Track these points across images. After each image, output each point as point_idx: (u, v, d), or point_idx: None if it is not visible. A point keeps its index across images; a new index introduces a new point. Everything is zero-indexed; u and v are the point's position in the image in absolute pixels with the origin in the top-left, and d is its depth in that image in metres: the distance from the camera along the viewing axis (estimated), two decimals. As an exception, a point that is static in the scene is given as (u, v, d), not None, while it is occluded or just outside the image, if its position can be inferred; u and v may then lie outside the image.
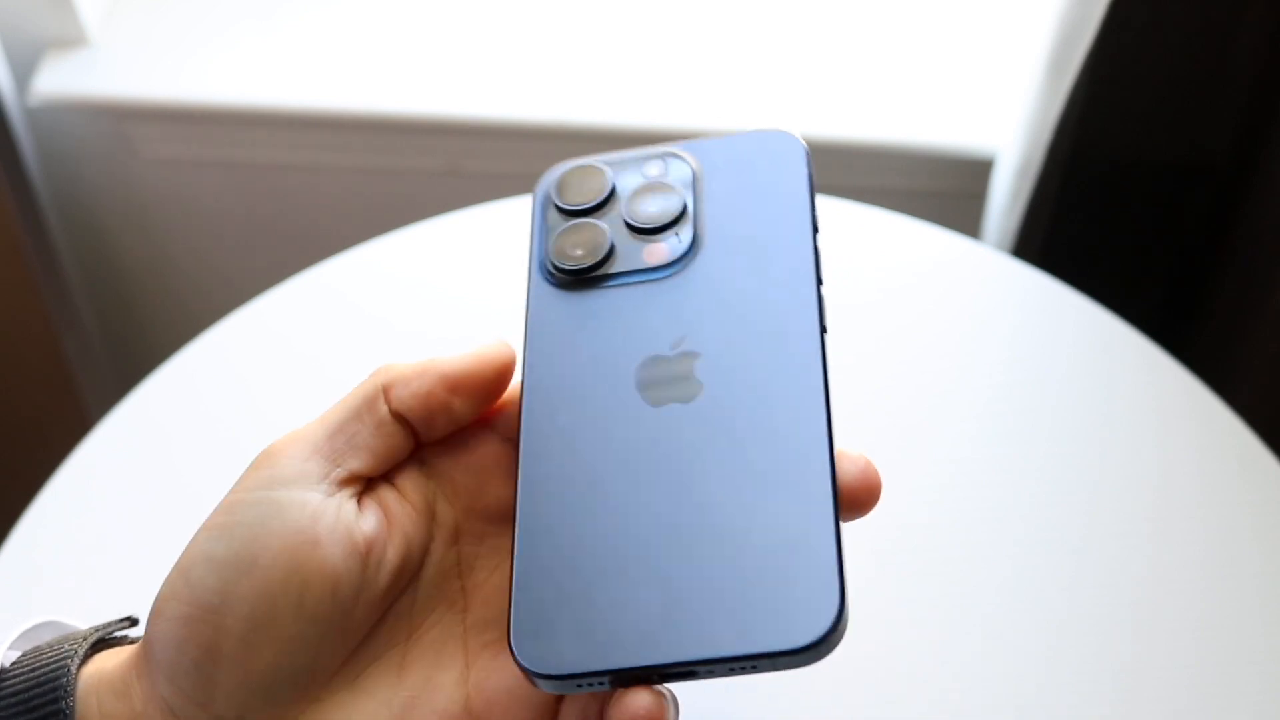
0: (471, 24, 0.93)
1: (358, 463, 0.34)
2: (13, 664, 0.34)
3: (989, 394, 0.62)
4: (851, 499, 0.33)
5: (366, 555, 0.33)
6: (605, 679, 0.31)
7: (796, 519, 0.32)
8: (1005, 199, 0.84)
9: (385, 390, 0.35)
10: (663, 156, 0.39)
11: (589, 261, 0.37)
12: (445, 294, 0.66)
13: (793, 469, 0.33)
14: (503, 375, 0.36)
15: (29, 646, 0.35)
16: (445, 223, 0.69)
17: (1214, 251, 0.85)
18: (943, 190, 0.91)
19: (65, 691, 0.33)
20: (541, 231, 0.39)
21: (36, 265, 0.94)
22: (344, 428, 0.35)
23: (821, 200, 0.64)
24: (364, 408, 0.35)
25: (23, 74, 0.91)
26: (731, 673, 0.31)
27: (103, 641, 0.36)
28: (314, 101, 0.90)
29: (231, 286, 0.84)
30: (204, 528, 0.33)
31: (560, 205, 0.39)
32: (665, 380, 0.35)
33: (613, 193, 0.39)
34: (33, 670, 0.33)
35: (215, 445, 0.60)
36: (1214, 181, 0.82)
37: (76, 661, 0.34)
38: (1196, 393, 0.62)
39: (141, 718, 0.33)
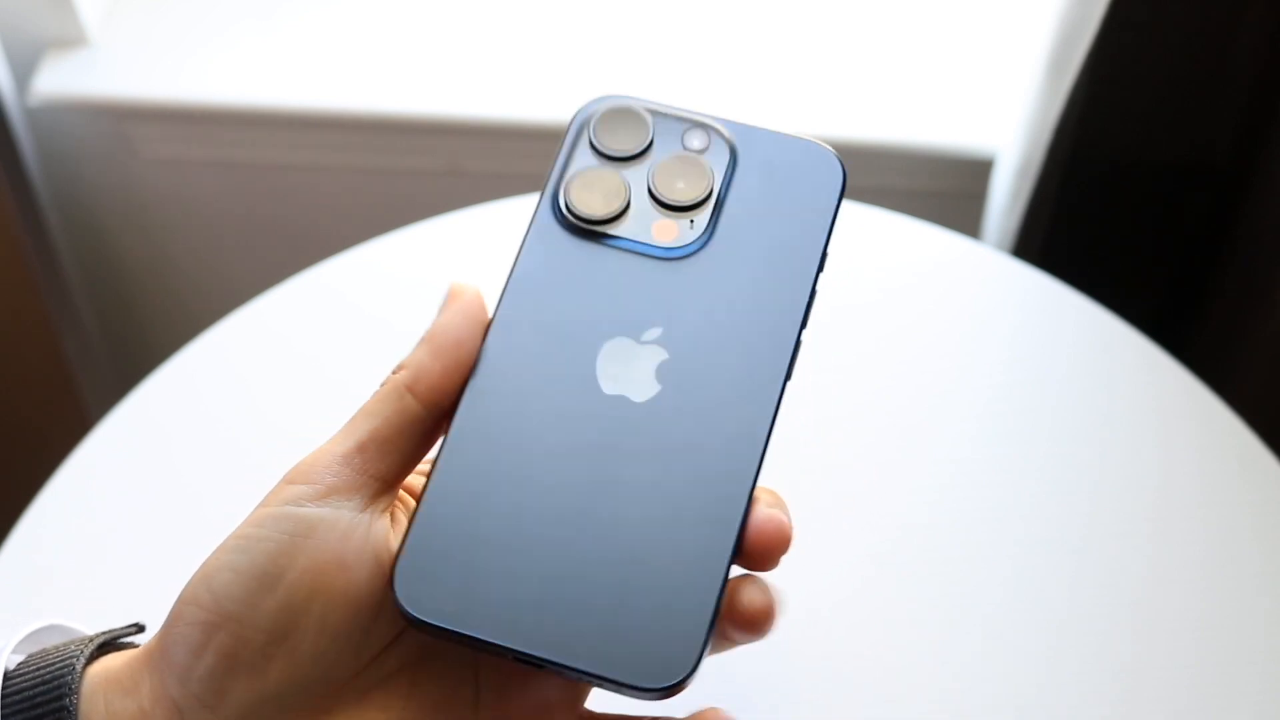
0: (472, 24, 0.93)
1: (388, 469, 0.34)
2: (18, 665, 0.34)
3: (989, 394, 0.62)
4: (750, 551, 0.33)
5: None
6: (465, 642, 0.32)
7: (690, 563, 0.32)
8: (1005, 199, 0.84)
9: (409, 388, 0.34)
10: (709, 130, 0.37)
11: (599, 214, 0.36)
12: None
13: (706, 512, 0.33)
14: (483, 313, 0.35)
15: (35, 649, 0.35)
16: (445, 223, 0.69)
17: (1214, 251, 0.85)
18: (943, 190, 0.91)
19: (70, 689, 0.33)
20: (566, 161, 0.37)
21: (36, 265, 0.94)
22: (373, 435, 0.34)
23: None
24: (389, 410, 0.34)
25: (23, 74, 0.91)
26: (578, 679, 0.32)
27: (109, 644, 0.35)
28: (314, 101, 0.90)
29: (231, 286, 0.84)
30: (232, 536, 0.33)
31: (594, 143, 0.37)
32: (625, 369, 0.35)
33: (648, 149, 0.37)
34: (37, 670, 0.33)
35: (215, 445, 0.60)
36: (1214, 181, 0.82)
37: (82, 661, 0.33)
38: (1196, 393, 0.62)
39: (149, 716, 0.33)
